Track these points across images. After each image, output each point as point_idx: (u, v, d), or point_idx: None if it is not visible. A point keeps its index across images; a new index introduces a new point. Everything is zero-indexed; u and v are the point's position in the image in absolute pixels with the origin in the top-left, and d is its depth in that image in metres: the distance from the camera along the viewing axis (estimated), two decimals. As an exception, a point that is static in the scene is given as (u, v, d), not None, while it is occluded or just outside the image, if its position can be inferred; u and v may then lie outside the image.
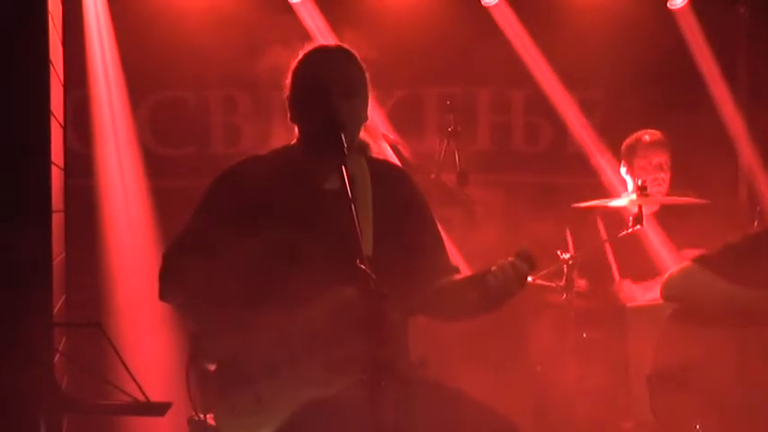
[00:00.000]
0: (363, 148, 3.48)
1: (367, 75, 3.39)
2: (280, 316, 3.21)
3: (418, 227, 3.48)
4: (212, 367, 3.23)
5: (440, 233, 3.57)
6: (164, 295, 3.37)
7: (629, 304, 5.09)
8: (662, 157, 5.44)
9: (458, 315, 3.44)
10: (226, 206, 3.32)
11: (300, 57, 3.42)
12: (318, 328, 3.19)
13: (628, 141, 5.55)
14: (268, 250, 3.27)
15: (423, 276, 3.38)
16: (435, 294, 3.30)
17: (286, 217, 3.32)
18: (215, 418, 3.22)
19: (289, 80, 3.42)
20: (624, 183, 5.60)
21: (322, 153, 3.24)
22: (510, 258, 3.13)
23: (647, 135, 5.50)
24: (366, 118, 3.40)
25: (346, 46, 3.45)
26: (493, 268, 3.13)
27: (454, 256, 3.59)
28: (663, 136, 5.49)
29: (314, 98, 3.29)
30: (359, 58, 3.40)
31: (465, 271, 3.47)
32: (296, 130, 3.43)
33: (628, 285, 5.26)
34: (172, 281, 3.33)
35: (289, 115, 3.42)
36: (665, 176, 5.43)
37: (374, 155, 3.57)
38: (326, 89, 3.28)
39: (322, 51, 3.43)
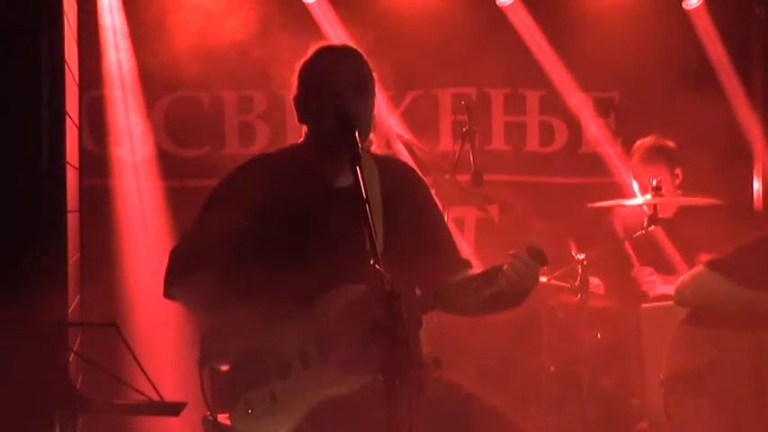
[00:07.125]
0: (368, 145, 3.47)
1: (374, 74, 3.38)
2: (291, 315, 3.20)
3: (428, 222, 3.49)
4: (224, 368, 3.22)
5: (448, 228, 3.58)
6: (169, 293, 3.36)
7: (643, 305, 5.06)
8: (650, 170, 5.30)
9: (474, 311, 3.40)
10: (235, 206, 3.30)
11: (308, 56, 3.40)
12: (331, 327, 3.18)
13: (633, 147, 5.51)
14: (279, 249, 3.27)
15: (435, 272, 3.39)
16: (449, 291, 3.27)
17: (297, 216, 3.32)
18: (230, 421, 3.21)
19: (296, 80, 3.40)
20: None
21: (334, 153, 3.21)
22: (520, 255, 3.13)
23: (642, 147, 5.42)
24: (374, 116, 3.40)
25: (352, 45, 3.45)
26: (504, 267, 3.13)
27: (469, 256, 3.59)
28: (658, 145, 5.40)
29: (326, 98, 3.27)
30: (366, 57, 3.38)
31: (477, 267, 3.46)
32: (304, 129, 3.42)
33: (649, 272, 5.21)
34: (179, 279, 3.32)
35: (297, 115, 3.41)
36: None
37: (378, 152, 3.56)
38: (339, 89, 3.27)
39: (331, 51, 3.42)
